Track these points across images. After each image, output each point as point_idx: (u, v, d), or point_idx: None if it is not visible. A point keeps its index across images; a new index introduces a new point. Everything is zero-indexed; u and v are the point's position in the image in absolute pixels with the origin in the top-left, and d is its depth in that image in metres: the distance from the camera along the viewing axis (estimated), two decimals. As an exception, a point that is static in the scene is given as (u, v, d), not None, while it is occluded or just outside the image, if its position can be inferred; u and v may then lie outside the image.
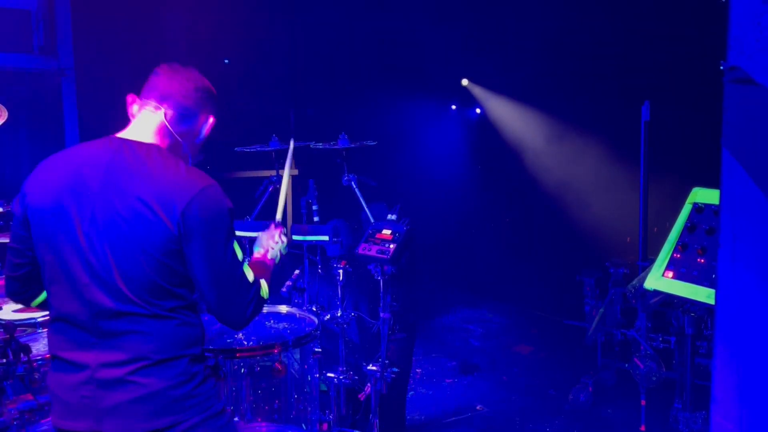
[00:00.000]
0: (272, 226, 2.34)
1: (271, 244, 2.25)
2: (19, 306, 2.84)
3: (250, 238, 3.47)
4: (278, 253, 2.26)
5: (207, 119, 1.97)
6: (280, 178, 3.65)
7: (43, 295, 1.91)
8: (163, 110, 1.87)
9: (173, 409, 1.73)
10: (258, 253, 2.23)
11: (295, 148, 2.80)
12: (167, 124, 1.87)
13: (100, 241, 1.72)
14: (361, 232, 3.51)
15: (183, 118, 1.90)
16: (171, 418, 1.73)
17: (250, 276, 1.86)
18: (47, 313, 1.89)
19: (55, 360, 1.81)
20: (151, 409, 1.71)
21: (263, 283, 1.94)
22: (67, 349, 1.77)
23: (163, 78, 1.89)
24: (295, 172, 6.87)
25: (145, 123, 1.87)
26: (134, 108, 1.91)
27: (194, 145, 1.98)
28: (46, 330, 2.87)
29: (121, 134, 1.87)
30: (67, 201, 1.76)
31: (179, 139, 1.91)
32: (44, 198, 1.78)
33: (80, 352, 1.75)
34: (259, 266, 2.10)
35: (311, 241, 3.55)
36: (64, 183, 1.78)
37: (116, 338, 1.73)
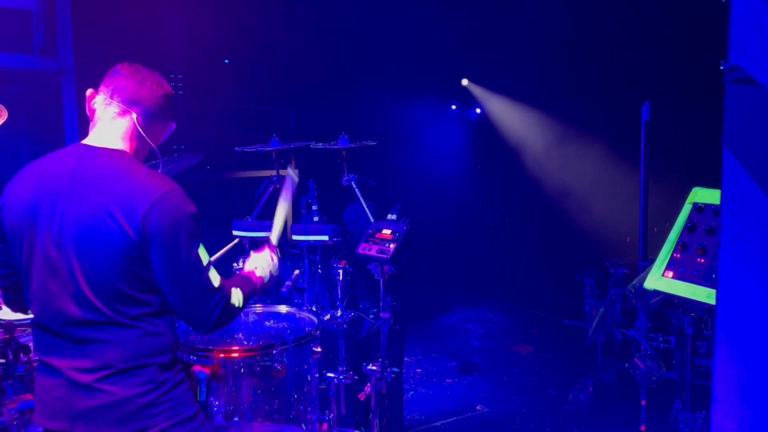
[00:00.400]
0: (265, 247, 2.34)
1: (261, 263, 2.24)
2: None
3: (251, 238, 3.47)
4: (268, 274, 2.23)
5: (169, 125, 1.99)
6: (280, 178, 3.65)
7: None
8: (132, 115, 1.86)
9: (140, 416, 1.76)
10: (247, 267, 2.23)
11: (295, 149, 2.81)
12: (139, 129, 1.87)
13: (66, 250, 1.74)
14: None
15: (151, 124, 1.91)
16: (138, 425, 1.76)
17: (215, 281, 1.85)
18: (32, 331, 1.92)
19: (38, 361, 1.88)
20: (119, 416, 1.75)
21: (236, 291, 1.93)
22: (45, 352, 1.83)
23: (130, 81, 1.87)
24: (295, 172, 6.87)
25: (111, 127, 1.86)
26: (95, 104, 1.89)
27: (160, 142, 2.00)
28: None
29: (87, 140, 1.87)
30: (36, 211, 1.79)
31: (150, 142, 1.92)
32: (17, 209, 1.82)
33: (55, 357, 1.80)
34: (242, 279, 2.09)
35: (311, 241, 3.54)
36: (34, 193, 1.80)
37: (85, 345, 1.76)
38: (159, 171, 1.87)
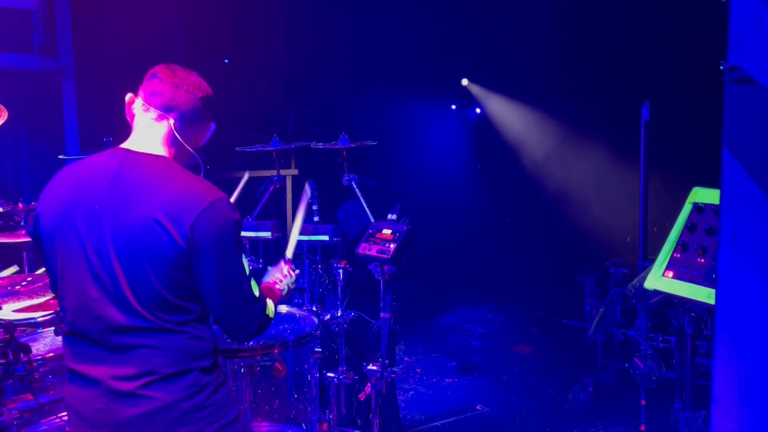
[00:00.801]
0: (281, 262, 2.37)
1: (279, 277, 2.28)
2: (19, 306, 2.84)
3: (251, 238, 3.47)
4: (286, 287, 2.27)
5: (209, 126, 1.96)
6: (280, 178, 3.65)
7: None
8: (170, 120, 1.84)
9: (185, 421, 1.74)
10: (269, 278, 2.27)
11: (295, 149, 2.82)
12: (176, 134, 1.85)
13: (109, 257, 1.71)
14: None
15: (189, 128, 1.89)
16: (184, 430, 1.74)
17: (256, 291, 1.86)
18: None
19: (69, 372, 1.82)
20: (164, 422, 1.73)
21: (270, 302, 1.94)
22: (80, 362, 1.78)
23: (167, 86, 1.84)
24: (295, 172, 6.87)
25: (150, 132, 1.84)
26: (135, 109, 1.87)
27: (196, 150, 1.98)
28: (46, 330, 2.88)
29: (126, 144, 1.85)
30: (75, 217, 1.75)
31: (188, 147, 1.90)
32: (53, 216, 1.79)
33: (92, 365, 1.75)
34: (268, 290, 2.14)
35: (311, 241, 3.54)
36: (71, 199, 1.77)
37: (126, 352, 1.73)
38: (202, 176, 1.85)
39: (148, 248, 1.69)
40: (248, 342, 1.95)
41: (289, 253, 2.55)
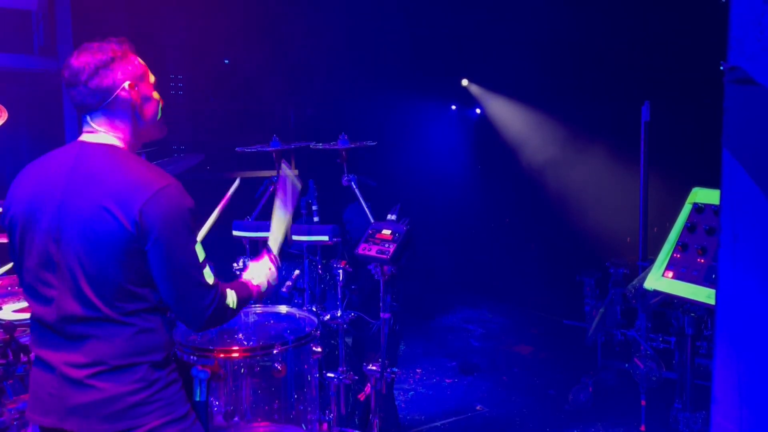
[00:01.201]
0: (263, 252, 2.32)
1: (259, 273, 2.22)
2: (19, 306, 2.84)
3: (251, 239, 3.47)
4: (265, 283, 2.21)
5: (130, 86, 1.86)
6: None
7: None
8: (98, 107, 1.84)
9: (130, 414, 1.77)
10: (245, 276, 2.21)
11: (295, 149, 2.81)
12: (107, 116, 1.86)
13: (66, 246, 1.75)
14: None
15: (112, 104, 1.85)
16: (128, 423, 1.77)
17: (209, 279, 1.85)
18: (30, 324, 1.94)
19: (35, 356, 1.89)
20: (109, 413, 1.76)
21: (231, 292, 1.93)
22: (41, 346, 1.84)
23: (77, 83, 1.83)
24: (295, 172, 6.87)
25: (99, 122, 1.87)
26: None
27: (151, 120, 1.95)
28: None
29: (83, 137, 1.88)
30: (36, 209, 1.81)
31: (129, 124, 1.89)
32: (19, 209, 1.84)
33: (50, 351, 1.81)
34: (241, 285, 2.07)
35: (311, 241, 3.55)
36: (33, 192, 1.83)
37: (80, 341, 1.77)
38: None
39: (101, 236, 1.72)
40: (203, 331, 1.95)
41: (272, 244, 2.44)
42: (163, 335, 1.85)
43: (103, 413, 1.75)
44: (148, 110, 1.94)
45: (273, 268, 2.27)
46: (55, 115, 4.95)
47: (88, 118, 1.87)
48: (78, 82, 1.82)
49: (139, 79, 1.90)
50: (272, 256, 2.31)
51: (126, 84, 1.85)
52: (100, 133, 1.86)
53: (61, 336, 1.79)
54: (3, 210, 1.90)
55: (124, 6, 5.35)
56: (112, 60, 1.84)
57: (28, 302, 1.86)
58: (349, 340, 4.01)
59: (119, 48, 1.87)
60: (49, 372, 1.80)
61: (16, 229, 1.85)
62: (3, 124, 2.83)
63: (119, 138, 1.88)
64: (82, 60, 1.83)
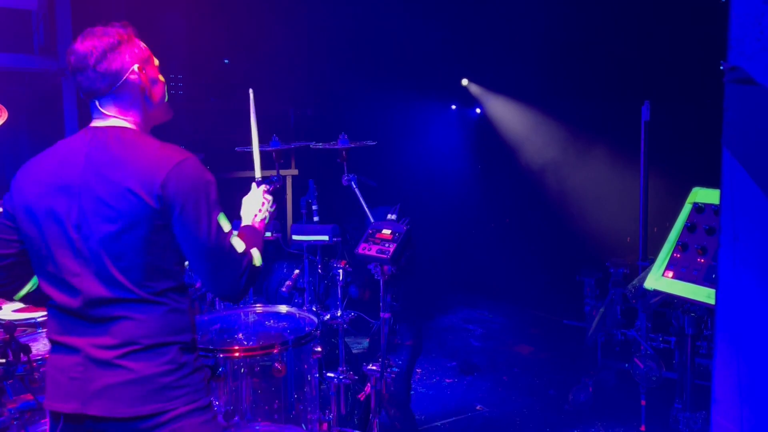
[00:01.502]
0: (253, 185, 2.29)
1: (256, 206, 2.18)
2: (19, 306, 2.84)
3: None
4: (267, 214, 2.19)
5: (139, 68, 1.88)
6: (280, 178, 3.64)
7: (25, 290, 1.95)
8: (108, 92, 1.84)
9: (159, 397, 1.74)
10: (245, 219, 2.16)
11: (295, 149, 2.80)
12: (117, 100, 1.86)
13: (89, 231, 1.74)
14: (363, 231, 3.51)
15: (122, 88, 1.85)
16: (156, 406, 1.73)
17: (239, 247, 1.85)
18: (47, 313, 1.91)
19: (52, 343, 1.85)
20: (138, 395, 1.72)
21: (255, 252, 1.92)
22: (62, 333, 1.80)
23: (84, 68, 1.84)
24: (295, 172, 6.87)
25: (108, 107, 1.87)
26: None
27: (159, 103, 1.95)
28: (46, 330, 2.88)
29: (95, 123, 1.88)
30: (53, 197, 1.79)
31: (139, 108, 1.89)
32: (32, 196, 1.82)
33: (73, 336, 1.78)
34: (249, 234, 2.03)
35: (311, 241, 3.54)
36: (49, 179, 1.81)
37: (107, 323, 1.75)
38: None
39: (125, 215, 1.71)
40: (240, 300, 1.94)
41: (257, 172, 2.40)
42: (191, 316, 1.85)
43: (131, 395, 1.71)
44: (156, 92, 1.95)
45: (269, 197, 2.24)
46: (55, 115, 4.95)
47: (97, 103, 1.86)
48: (86, 66, 1.82)
49: (145, 62, 1.92)
50: (264, 185, 2.29)
51: (135, 67, 1.87)
52: (110, 119, 1.85)
53: (86, 320, 1.76)
54: (7, 204, 1.88)
55: (124, 6, 5.34)
56: (119, 43, 1.86)
57: (47, 291, 1.82)
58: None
59: (124, 32, 1.90)
60: (74, 355, 1.76)
61: (28, 219, 1.81)
62: (3, 124, 2.83)
63: (130, 122, 1.87)
64: (89, 44, 1.84)
